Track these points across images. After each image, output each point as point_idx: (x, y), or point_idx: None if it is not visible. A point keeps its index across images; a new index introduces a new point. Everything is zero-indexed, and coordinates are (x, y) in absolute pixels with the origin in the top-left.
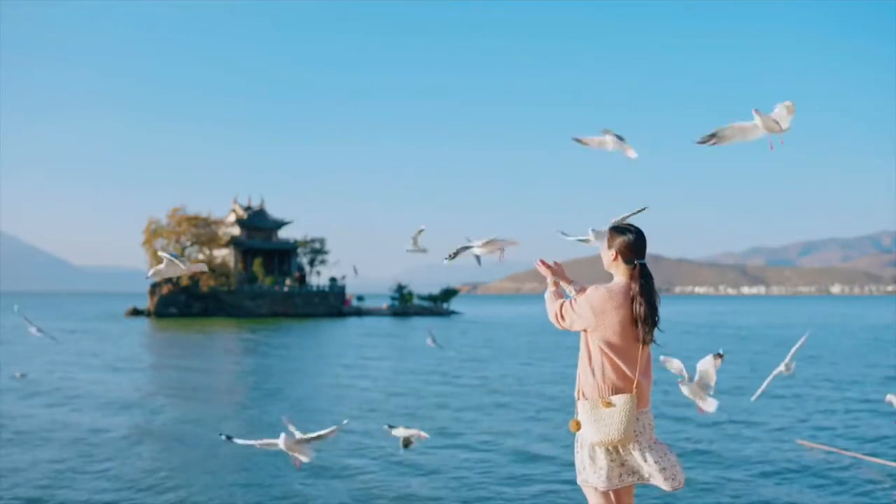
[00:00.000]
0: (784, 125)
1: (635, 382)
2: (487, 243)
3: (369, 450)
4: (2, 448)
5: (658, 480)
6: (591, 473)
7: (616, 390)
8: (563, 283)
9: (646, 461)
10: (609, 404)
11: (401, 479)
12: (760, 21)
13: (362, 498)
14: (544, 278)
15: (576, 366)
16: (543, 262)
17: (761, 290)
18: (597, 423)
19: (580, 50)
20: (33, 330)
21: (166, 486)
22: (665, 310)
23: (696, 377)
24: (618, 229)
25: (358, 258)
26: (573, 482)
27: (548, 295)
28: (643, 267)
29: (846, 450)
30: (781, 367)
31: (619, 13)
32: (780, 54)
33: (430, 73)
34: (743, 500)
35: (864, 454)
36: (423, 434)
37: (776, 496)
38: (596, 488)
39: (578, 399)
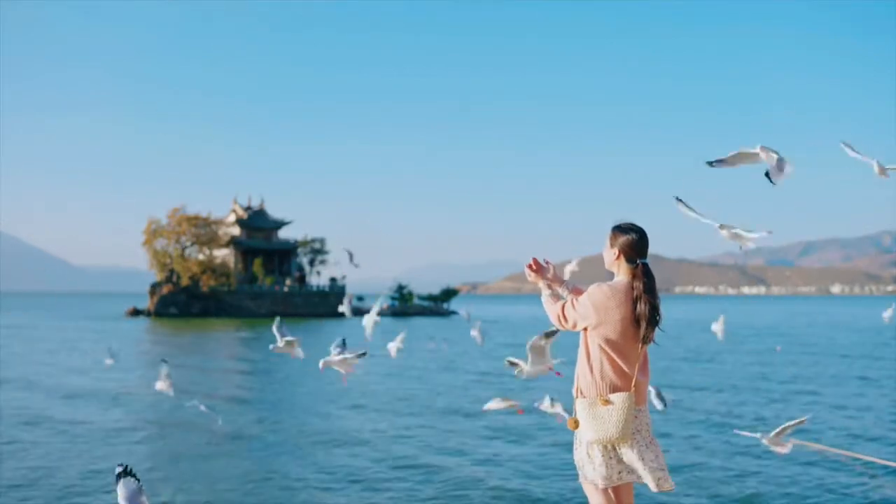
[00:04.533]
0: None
1: (633, 381)
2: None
3: (372, 447)
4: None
5: (648, 479)
6: (591, 471)
7: (614, 389)
8: (555, 285)
9: (641, 459)
10: (607, 402)
11: (399, 475)
12: (761, 20)
13: (365, 494)
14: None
15: (574, 363)
16: (535, 261)
17: (761, 290)
18: (594, 422)
19: (580, 49)
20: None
21: (163, 479)
22: (671, 308)
23: None
24: (621, 228)
25: (358, 258)
26: (573, 479)
27: (545, 299)
28: (645, 266)
29: (842, 449)
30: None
31: (619, 12)
32: (780, 53)
33: (430, 73)
34: (738, 499)
35: (859, 453)
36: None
37: (771, 495)
38: (596, 485)
39: (577, 397)
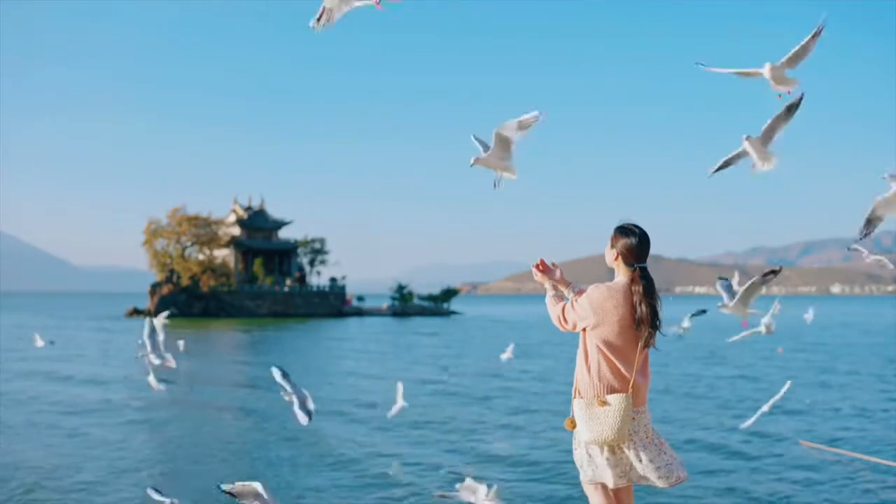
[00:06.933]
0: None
1: (631, 382)
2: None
3: (369, 444)
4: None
5: (653, 478)
6: (591, 471)
7: (611, 390)
8: (560, 286)
9: (640, 461)
10: (604, 403)
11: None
12: (760, 20)
13: (366, 488)
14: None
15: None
16: (542, 262)
17: (761, 290)
18: (591, 422)
19: (581, 49)
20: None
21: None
22: (671, 308)
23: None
24: (622, 230)
25: (358, 258)
26: (573, 479)
27: (548, 300)
28: (643, 271)
29: (849, 450)
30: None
31: (621, 12)
32: (780, 54)
33: (430, 73)
34: (745, 500)
35: (865, 454)
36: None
37: (778, 496)
38: (595, 485)
39: (574, 397)
